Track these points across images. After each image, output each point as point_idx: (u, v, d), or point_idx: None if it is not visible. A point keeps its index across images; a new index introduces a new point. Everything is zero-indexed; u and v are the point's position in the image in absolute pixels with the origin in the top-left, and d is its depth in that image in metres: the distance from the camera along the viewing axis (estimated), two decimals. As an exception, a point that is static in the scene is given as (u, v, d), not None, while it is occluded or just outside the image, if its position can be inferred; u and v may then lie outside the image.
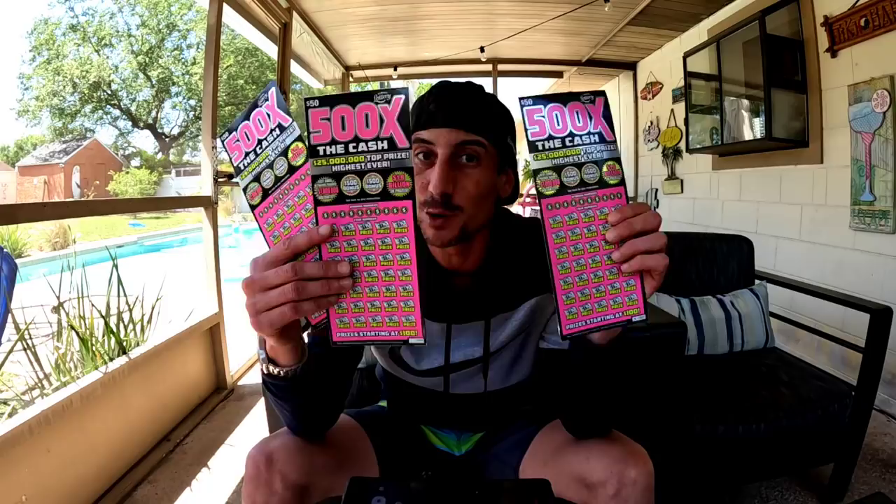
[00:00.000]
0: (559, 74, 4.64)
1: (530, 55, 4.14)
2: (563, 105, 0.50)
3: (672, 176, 3.70)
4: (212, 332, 2.15)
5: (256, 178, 0.51)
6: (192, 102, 22.00)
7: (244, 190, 0.51)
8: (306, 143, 0.48)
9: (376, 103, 0.46)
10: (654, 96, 3.93)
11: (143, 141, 24.74)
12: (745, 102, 2.64)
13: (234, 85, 19.91)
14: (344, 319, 0.50)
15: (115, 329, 1.74)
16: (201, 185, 2.14)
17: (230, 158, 0.52)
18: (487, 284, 0.75)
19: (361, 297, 0.49)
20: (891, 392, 1.92)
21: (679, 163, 3.63)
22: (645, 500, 0.64)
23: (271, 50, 3.20)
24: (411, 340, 0.49)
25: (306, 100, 0.47)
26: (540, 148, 0.50)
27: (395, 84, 5.72)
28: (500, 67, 4.32)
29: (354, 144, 0.47)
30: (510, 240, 0.75)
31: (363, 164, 0.47)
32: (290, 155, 0.50)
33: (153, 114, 22.86)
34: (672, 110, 3.62)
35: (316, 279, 0.48)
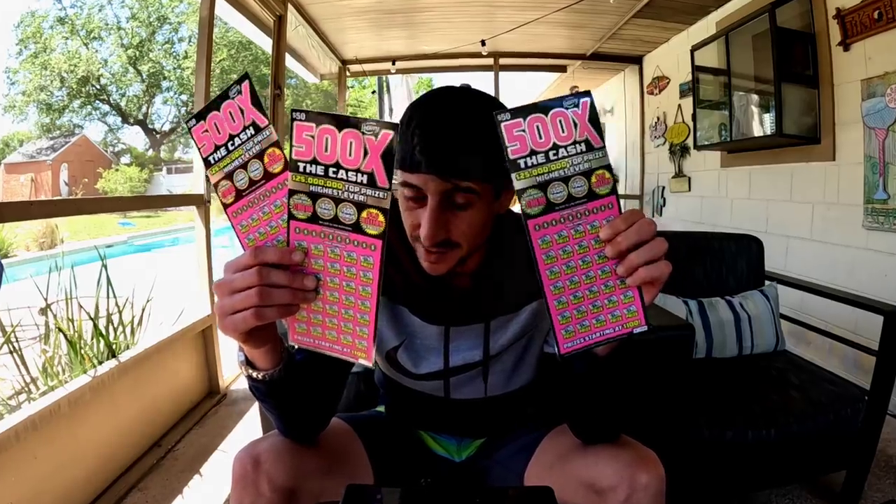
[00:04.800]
0: (563, 69, 4.60)
1: (533, 49, 4.11)
2: (544, 115, 0.47)
3: (679, 173, 3.69)
4: (204, 335, 2.13)
5: (229, 177, 0.51)
6: (184, 97, 21.66)
7: (215, 186, 0.52)
8: (287, 154, 0.49)
9: (363, 133, 0.46)
10: (660, 91, 3.91)
11: (134, 137, 24.23)
12: (755, 97, 2.63)
13: (228, 80, 19.51)
14: (302, 325, 0.52)
15: (104, 332, 1.71)
16: (193, 182, 2.11)
17: (198, 148, 0.52)
18: (487, 285, 0.74)
19: (320, 312, 0.51)
20: (905, 395, 1.89)
21: (686, 160, 3.62)
22: None
23: (265, 43, 3.16)
24: (360, 361, 0.51)
25: (293, 111, 0.47)
26: (522, 166, 0.47)
27: (392, 80, 5.66)
28: (502, 62, 4.28)
29: (335, 169, 0.47)
30: (511, 240, 0.74)
31: (340, 192, 0.47)
32: (265, 160, 0.50)
33: (144, 109, 22.45)
34: (679, 105, 3.61)
35: (281, 287, 0.49)
